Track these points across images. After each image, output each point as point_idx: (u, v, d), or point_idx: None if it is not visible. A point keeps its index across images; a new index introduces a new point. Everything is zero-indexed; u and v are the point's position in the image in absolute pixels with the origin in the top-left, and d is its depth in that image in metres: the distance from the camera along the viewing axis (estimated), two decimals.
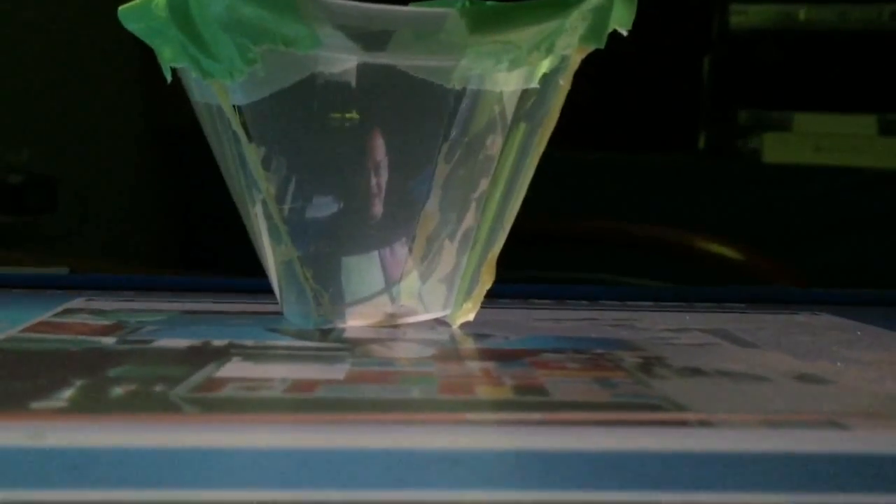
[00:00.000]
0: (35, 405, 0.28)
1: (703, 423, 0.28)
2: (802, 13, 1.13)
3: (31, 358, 0.34)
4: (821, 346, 0.41)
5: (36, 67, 0.98)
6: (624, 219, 0.98)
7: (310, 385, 0.31)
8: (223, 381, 0.31)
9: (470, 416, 0.29)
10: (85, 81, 1.03)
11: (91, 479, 0.22)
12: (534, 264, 0.77)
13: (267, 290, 0.42)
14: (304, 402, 0.29)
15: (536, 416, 0.28)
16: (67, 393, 0.29)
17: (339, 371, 0.33)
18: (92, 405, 0.28)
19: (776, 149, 1.11)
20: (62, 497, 0.21)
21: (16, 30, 0.96)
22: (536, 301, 0.51)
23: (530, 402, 0.30)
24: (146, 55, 0.39)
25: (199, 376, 0.31)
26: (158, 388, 0.30)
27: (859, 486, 0.24)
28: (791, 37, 1.14)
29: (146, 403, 0.28)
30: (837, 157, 1.09)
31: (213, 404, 0.28)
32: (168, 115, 0.95)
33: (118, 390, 0.29)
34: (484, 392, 0.31)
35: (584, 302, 0.51)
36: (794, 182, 1.09)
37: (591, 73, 0.40)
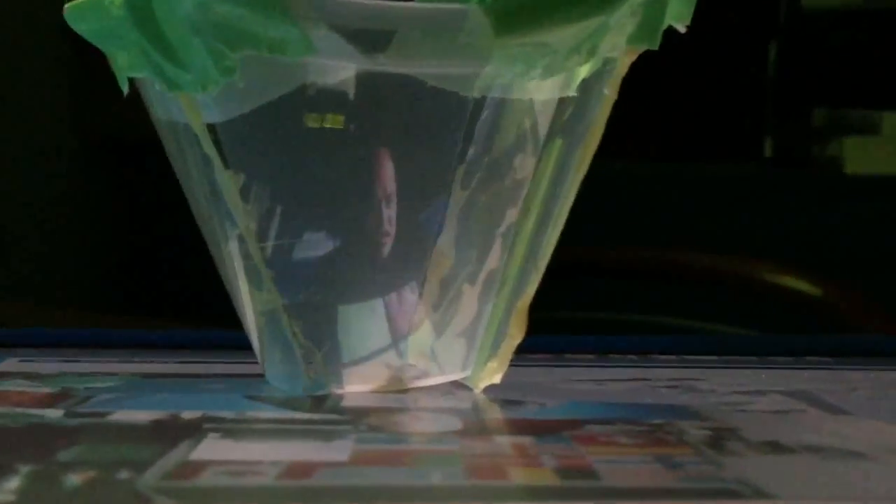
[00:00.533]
0: None
1: None
2: None
3: None
4: None
5: None
6: (675, 245, 0.99)
7: (307, 469, 0.31)
8: (201, 466, 0.31)
9: None
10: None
11: None
12: (565, 304, 0.77)
13: (244, 347, 0.43)
14: (303, 492, 0.29)
15: None
16: (13, 483, 0.29)
17: (341, 450, 0.33)
18: (45, 498, 0.29)
19: (860, 156, 1.11)
20: None
21: None
22: (573, 355, 0.51)
23: (578, 488, 0.30)
24: (77, 45, 0.39)
25: (170, 459, 0.32)
26: (123, 475, 0.30)
27: None
28: (877, 18, 1.15)
29: (109, 495, 0.29)
30: None
31: (192, 495, 0.29)
32: (107, 124, 0.95)
33: (74, 479, 0.30)
34: (520, 476, 0.32)
35: (632, 356, 0.52)
36: (883, 197, 1.09)
37: (633, 66, 0.40)
